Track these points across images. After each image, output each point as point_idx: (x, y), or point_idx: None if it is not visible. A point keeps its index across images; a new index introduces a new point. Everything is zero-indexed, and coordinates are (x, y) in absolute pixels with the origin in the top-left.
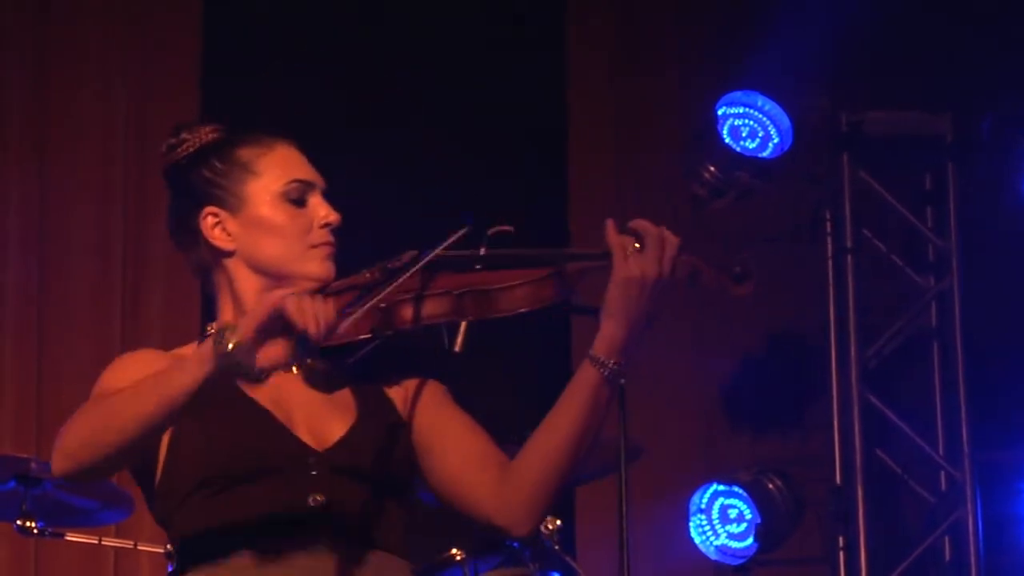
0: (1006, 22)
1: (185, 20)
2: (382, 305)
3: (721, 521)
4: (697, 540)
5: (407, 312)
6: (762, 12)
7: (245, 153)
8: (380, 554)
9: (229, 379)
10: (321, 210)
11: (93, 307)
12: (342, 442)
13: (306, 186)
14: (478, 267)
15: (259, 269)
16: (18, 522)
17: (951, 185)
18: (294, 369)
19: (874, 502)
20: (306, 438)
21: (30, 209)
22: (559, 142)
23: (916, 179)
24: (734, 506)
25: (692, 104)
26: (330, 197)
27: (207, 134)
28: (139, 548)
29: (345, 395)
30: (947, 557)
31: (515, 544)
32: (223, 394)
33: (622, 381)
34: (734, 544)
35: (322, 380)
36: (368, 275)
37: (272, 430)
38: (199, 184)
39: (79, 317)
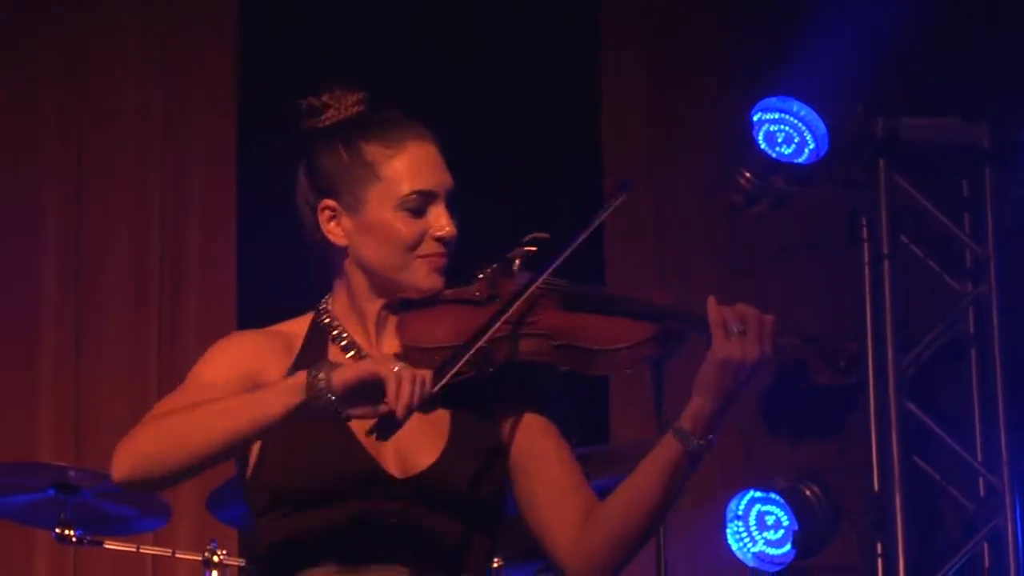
0: None
1: (221, 25)
2: (485, 346)
3: (758, 528)
4: (734, 547)
5: (508, 349)
6: (799, 18)
7: (372, 151)
8: None
9: (313, 415)
10: (437, 221)
11: (130, 318)
12: (427, 471)
13: (427, 197)
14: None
15: (367, 270)
16: (57, 530)
17: (988, 191)
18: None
19: (912, 509)
20: (390, 465)
21: (67, 222)
22: (594, 148)
23: (953, 185)
24: (771, 513)
25: (728, 110)
26: None
27: (349, 107)
28: (177, 556)
29: (444, 416)
30: (986, 564)
31: None
32: None
33: (706, 455)
34: (772, 551)
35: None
36: (477, 292)
37: (354, 454)
38: (322, 171)
39: (116, 327)
